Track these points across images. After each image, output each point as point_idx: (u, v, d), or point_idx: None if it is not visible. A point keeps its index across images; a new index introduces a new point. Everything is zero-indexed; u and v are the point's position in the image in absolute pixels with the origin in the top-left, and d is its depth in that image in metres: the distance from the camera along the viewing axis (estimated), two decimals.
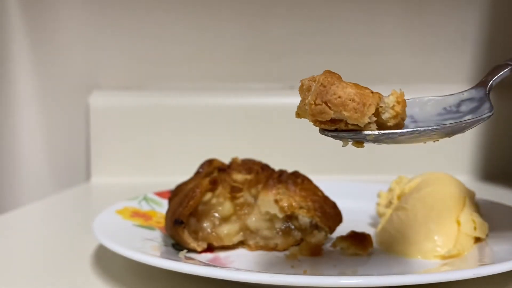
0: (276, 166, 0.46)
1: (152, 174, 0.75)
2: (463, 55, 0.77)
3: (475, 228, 0.41)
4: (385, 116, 0.30)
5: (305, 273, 0.36)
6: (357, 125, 0.30)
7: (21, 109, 0.76)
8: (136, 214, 0.46)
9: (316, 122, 0.30)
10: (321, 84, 0.29)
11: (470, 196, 0.43)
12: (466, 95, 0.35)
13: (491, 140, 0.76)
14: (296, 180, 0.43)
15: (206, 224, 0.42)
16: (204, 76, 0.79)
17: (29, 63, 0.76)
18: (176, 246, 0.41)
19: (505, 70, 0.35)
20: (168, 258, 0.34)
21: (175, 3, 0.77)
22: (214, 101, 0.77)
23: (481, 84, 0.35)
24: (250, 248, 0.42)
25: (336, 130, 0.30)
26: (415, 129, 0.30)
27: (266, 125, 0.76)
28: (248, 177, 0.44)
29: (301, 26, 0.77)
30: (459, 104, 0.34)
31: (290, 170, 0.45)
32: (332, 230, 0.43)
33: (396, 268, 0.38)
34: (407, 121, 0.33)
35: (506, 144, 0.77)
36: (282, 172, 0.44)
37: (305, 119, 0.31)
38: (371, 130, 0.30)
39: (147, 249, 0.37)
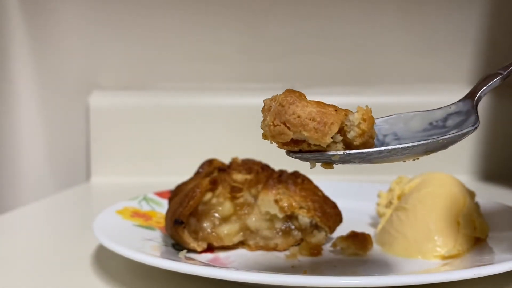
0: (276, 166, 0.46)
1: (152, 174, 0.75)
2: (463, 55, 0.77)
3: (475, 228, 0.41)
4: (350, 135, 0.29)
5: (305, 273, 0.36)
6: (320, 145, 0.28)
7: (22, 109, 0.76)
8: (136, 214, 0.46)
9: (278, 143, 0.29)
10: (280, 104, 0.28)
11: (470, 196, 0.43)
12: (453, 109, 0.33)
13: (491, 140, 0.76)
14: (296, 180, 0.43)
15: (206, 224, 0.41)
16: (204, 76, 0.79)
17: (29, 63, 0.76)
18: (176, 246, 0.41)
19: (494, 80, 0.33)
20: (168, 258, 0.34)
21: (175, 3, 0.77)
22: (214, 101, 0.77)
23: (469, 96, 0.33)
24: (250, 248, 0.42)
25: (300, 151, 0.29)
26: (385, 148, 0.29)
27: None
28: (248, 177, 0.44)
29: (301, 26, 0.77)
30: (445, 119, 0.33)
31: (290, 170, 0.45)
32: (332, 230, 0.43)
33: (396, 268, 0.38)
34: (389, 139, 0.31)
35: (506, 144, 0.77)
36: (282, 172, 0.44)
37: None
38: (336, 150, 0.28)
39: (147, 249, 0.37)
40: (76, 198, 0.68)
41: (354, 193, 0.54)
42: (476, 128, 0.31)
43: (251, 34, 0.78)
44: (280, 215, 0.42)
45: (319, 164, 0.30)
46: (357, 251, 0.40)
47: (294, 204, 0.41)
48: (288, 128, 0.28)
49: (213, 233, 0.41)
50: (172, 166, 0.75)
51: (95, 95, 0.77)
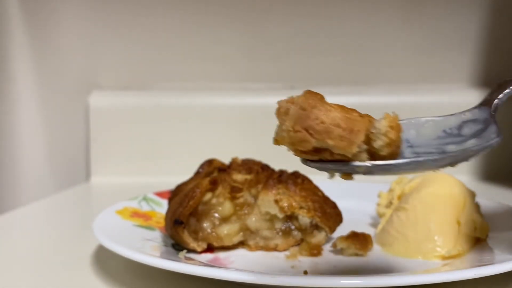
0: (276, 166, 0.46)
1: (152, 174, 0.75)
2: (464, 55, 0.77)
3: (475, 229, 0.41)
4: (377, 144, 0.26)
5: (305, 273, 0.36)
6: (344, 155, 0.25)
7: (21, 109, 0.76)
8: (136, 214, 0.46)
9: (296, 151, 0.26)
10: (301, 107, 0.25)
11: (470, 196, 0.43)
12: (468, 116, 0.31)
13: None
14: (296, 180, 0.43)
15: (206, 224, 0.41)
16: (204, 76, 0.79)
17: (29, 63, 0.76)
18: (176, 246, 0.41)
19: (511, 87, 0.31)
20: (168, 258, 0.34)
21: (175, 3, 0.77)
22: (214, 101, 0.77)
23: (485, 103, 0.31)
24: (250, 248, 0.42)
25: (320, 160, 0.26)
26: (414, 159, 0.26)
27: (266, 125, 0.75)
28: (248, 177, 0.44)
29: (301, 26, 0.77)
30: (460, 126, 0.30)
31: (290, 170, 0.45)
32: (332, 230, 0.43)
33: (396, 268, 0.38)
34: (402, 146, 0.28)
35: (507, 144, 0.77)
36: (282, 172, 0.44)
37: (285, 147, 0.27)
38: (362, 160, 0.26)
39: (147, 249, 0.37)
40: (76, 198, 0.68)
41: (354, 193, 0.54)
42: (500, 139, 0.29)
43: (251, 34, 0.78)
44: (280, 215, 0.42)
45: (338, 174, 0.27)
46: (357, 251, 0.40)
47: (294, 204, 0.41)
48: (311, 134, 0.25)
49: (213, 233, 0.41)
50: (172, 166, 0.75)
51: (95, 95, 0.77)
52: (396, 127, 0.26)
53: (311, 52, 0.78)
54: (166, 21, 0.77)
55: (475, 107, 0.31)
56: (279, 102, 0.27)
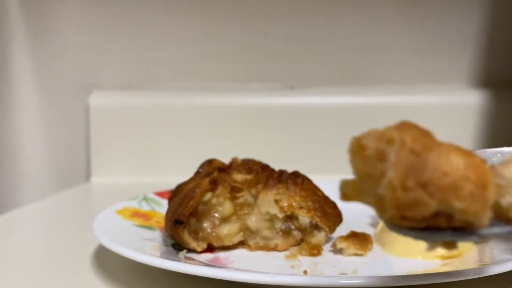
0: (276, 166, 0.46)
1: (152, 174, 0.75)
2: (464, 55, 0.77)
3: None
4: (506, 200, 0.18)
5: (305, 273, 0.36)
6: (471, 222, 0.17)
7: (21, 109, 0.76)
8: (136, 214, 0.46)
9: (402, 218, 0.18)
10: (412, 149, 0.17)
11: None
12: None
13: (492, 141, 0.76)
14: (296, 180, 0.43)
15: (206, 224, 0.41)
16: (204, 76, 0.79)
17: (29, 63, 0.76)
18: (176, 246, 0.41)
19: None
20: (168, 258, 0.34)
21: (175, 2, 0.77)
22: (214, 101, 0.77)
23: None
24: (250, 248, 0.42)
25: (426, 228, 0.18)
26: None
27: (266, 125, 0.76)
28: (248, 177, 0.44)
29: (301, 26, 0.77)
30: None
31: (290, 170, 0.45)
32: (332, 230, 0.43)
33: (396, 268, 0.38)
34: None
35: (509, 144, 0.77)
36: (282, 172, 0.44)
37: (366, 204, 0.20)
38: (488, 226, 0.18)
39: (147, 249, 0.37)
40: (76, 198, 0.68)
41: None
42: None
43: (251, 34, 0.78)
44: (280, 215, 0.42)
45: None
46: (357, 251, 0.40)
47: (294, 204, 0.41)
48: (430, 195, 0.17)
49: (213, 233, 0.41)
50: (172, 166, 0.75)
51: (95, 95, 0.77)
52: None
53: (311, 52, 0.78)
54: (166, 21, 0.77)
55: None
56: (358, 138, 0.19)
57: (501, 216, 0.18)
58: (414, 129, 0.18)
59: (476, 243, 0.20)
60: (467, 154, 0.18)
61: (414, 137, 0.18)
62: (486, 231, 0.18)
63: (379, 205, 0.18)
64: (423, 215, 0.17)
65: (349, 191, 0.21)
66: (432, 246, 0.19)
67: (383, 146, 0.18)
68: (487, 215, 0.17)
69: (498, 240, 0.20)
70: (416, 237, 0.19)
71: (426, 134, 0.18)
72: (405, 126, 0.18)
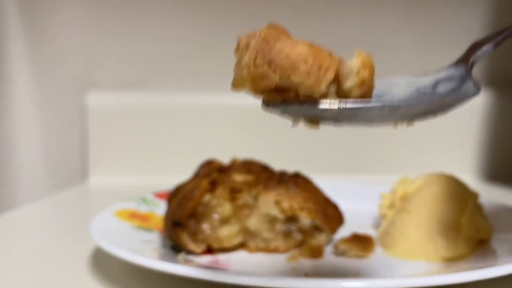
0: (276, 166, 0.46)
1: (150, 175, 0.75)
2: None
3: (478, 230, 0.40)
4: (347, 84, 0.24)
5: (306, 275, 0.36)
6: (311, 95, 0.23)
7: (18, 108, 0.76)
8: (134, 215, 0.45)
9: (257, 91, 0.23)
10: (263, 39, 0.23)
11: (473, 197, 0.43)
12: (443, 75, 0.30)
13: (496, 140, 0.76)
14: (297, 181, 0.43)
15: (205, 226, 0.41)
16: (204, 75, 0.78)
17: (26, 62, 0.75)
18: (175, 248, 0.40)
19: (487, 46, 0.30)
20: (167, 260, 0.34)
21: (173, 2, 0.76)
22: (214, 101, 0.77)
23: (461, 61, 0.30)
24: (250, 250, 0.42)
25: (283, 102, 0.24)
26: (388, 103, 0.24)
27: (266, 125, 0.75)
28: (248, 178, 0.43)
29: (301, 23, 0.77)
30: (435, 85, 0.29)
31: (291, 170, 0.45)
32: (333, 231, 0.42)
33: (398, 270, 0.37)
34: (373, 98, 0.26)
35: (511, 144, 0.76)
36: (283, 173, 0.44)
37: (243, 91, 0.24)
38: (329, 103, 0.23)
39: (146, 251, 0.37)
40: (73, 198, 0.68)
41: (356, 194, 0.53)
42: (479, 91, 0.27)
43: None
44: (281, 217, 0.41)
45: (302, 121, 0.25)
46: (359, 253, 0.40)
47: (294, 205, 0.41)
48: (274, 70, 0.22)
49: (213, 235, 0.41)
50: (171, 166, 0.75)
51: (93, 94, 0.77)
52: (370, 67, 0.25)
53: None
54: (165, 19, 0.77)
55: (450, 66, 0.30)
56: (239, 37, 0.24)
57: (344, 98, 0.24)
58: (274, 27, 0.24)
59: (321, 118, 0.24)
60: (314, 46, 0.23)
61: (270, 31, 0.23)
62: (327, 106, 0.23)
63: (245, 83, 0.24)
64: (271, 86, 0.23)
65: (235, 78, 0.24)
66: (294, 122, 0.25)
67: (250, 40, 0.24)
68: (320, 89, 0.23)
69: (338, 119, 0.24)
70: (278, 112, 0.24)
71: (282, 31, 0.24)
72: (269, 25, 0.24)
